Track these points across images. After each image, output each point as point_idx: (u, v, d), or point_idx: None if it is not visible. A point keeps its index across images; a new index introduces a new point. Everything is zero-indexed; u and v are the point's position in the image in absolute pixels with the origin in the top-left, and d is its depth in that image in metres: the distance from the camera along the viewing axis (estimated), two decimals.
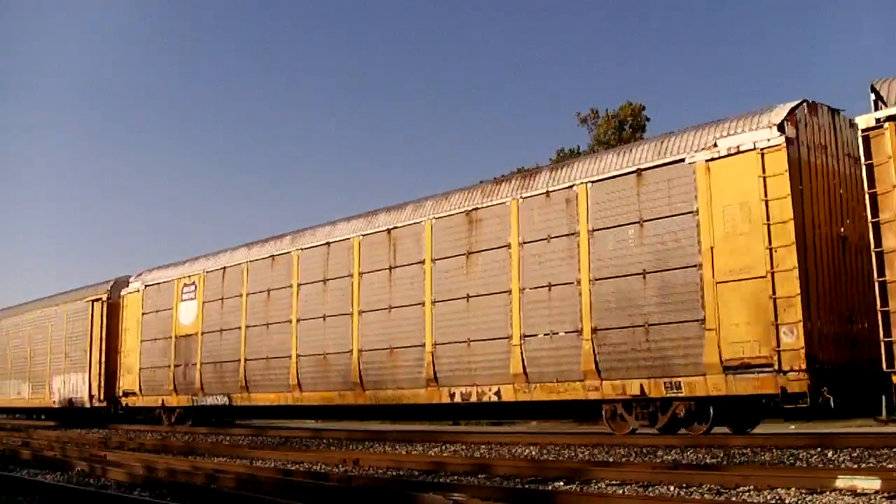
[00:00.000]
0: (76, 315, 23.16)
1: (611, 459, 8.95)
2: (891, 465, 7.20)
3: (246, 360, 16.89)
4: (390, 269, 14.21)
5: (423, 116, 76.48)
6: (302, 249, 16.10)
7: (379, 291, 14.34)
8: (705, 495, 6.06)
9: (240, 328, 17.19)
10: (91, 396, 21.95)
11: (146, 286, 20.45)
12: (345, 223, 15.67)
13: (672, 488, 6.39)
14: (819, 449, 8.76)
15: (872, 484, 5.70)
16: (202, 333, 18.25)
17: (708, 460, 8.49)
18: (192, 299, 18.81)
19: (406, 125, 76.69)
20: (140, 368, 20.08)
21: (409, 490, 6.19)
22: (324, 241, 15.66)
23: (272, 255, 16.77)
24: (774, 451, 8.88)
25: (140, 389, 20.10)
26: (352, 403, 14.74)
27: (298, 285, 15.95)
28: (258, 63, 78.67)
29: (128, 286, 21.23)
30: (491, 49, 73.12)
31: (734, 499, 5.80)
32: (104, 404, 21.59)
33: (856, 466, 7.30)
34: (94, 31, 73.21)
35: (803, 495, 5.69)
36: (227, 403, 17.41)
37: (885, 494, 5.50)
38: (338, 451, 11.47)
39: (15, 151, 76.26)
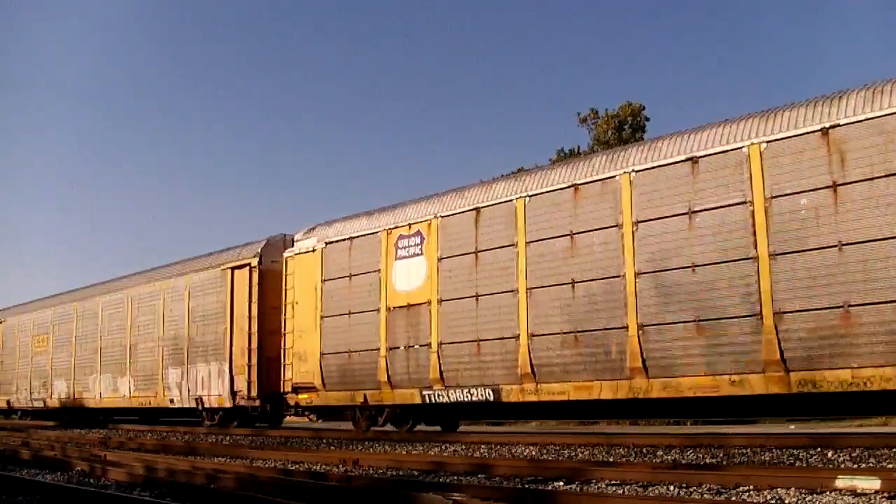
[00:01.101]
0: (206, 287, 17.86)
1: (611, 459, 8.96)
2: (891, 465, 7.20)
3: (531, 335, 11.62)
4: (834, 186, 9.11)
5: (423, 116, 76.53)
6: (635, 171, 10.88)
7: (811, 223, 9.24)
8: (705, 495, 6.06)
9: (515, 291, 11.91)
10: (234, 393, 16.68)
11: (328, 244, 15.05)
12: (717, 128, 10.45)
13: (672, 488, 6.39)
14: (819, 449, 8.76)
15: (872, 484, 5.70)
16: (439, 301, 12.93)
17: (708, 460, 8.50)
18: (415, 255, 13.46)
19: (406, 125, 76.74)
20: (322, 354, 14.71)
21: (409, 490, 6.19)
22: (685, 156, 10.36)
23: (573, 185, 11.49)
24: (774, 451, 8.89)
25: (322, 383, 14.68)
26: (761, 392, 9.54)
27: (635, 223, 10.67)
28: (259, 63, 78.70)
29: (292, 246, 16.06)
30: (491, 49, 73.20)
31: (734, 499, 5.80)
32: (256, 403, 16.33)
33: (856, 466, 7.30)
34: (94, 31, 73.18)
35: (803, 495, 5.69)
36: (492, 399, 12.20)
37: (885, 494, 5.50)
38: (338, 451, 11.47)
39: (15, 151, 76.25)
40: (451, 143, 72.88)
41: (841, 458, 7.99)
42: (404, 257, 13.66)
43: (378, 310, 13.89)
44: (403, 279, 13.61)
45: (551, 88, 68.55)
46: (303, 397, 15.27)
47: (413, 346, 13.29)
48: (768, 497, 5.74)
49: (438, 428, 14.89)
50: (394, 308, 13.66)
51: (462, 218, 13.00)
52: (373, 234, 14.30)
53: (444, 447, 11.38)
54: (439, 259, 13.13)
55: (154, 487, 7.32)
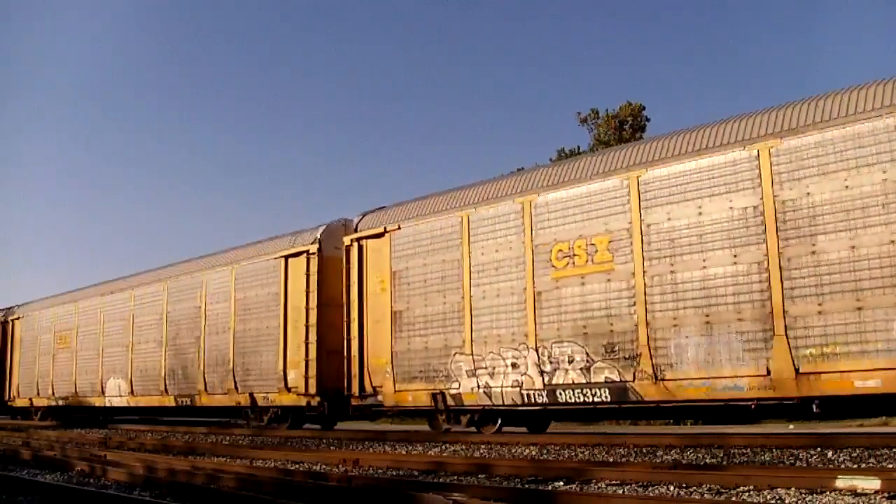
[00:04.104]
0: None
1: (611, 459, 8.96)
2: (891, 465, 7.21)
3: None
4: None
5: (423, 116, 76.51)
6: None
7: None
8: (705, 495, 6.06)
9: None
10: None
11: None
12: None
13: (672, 488, 6.40)
14: (819, 449, 8.77)
15: (872, 484, 5.70)
16: None
17: (708, 460, 8.51)
18: None
19: (406, 125, 76.73)
20: None
21: (409, 490, 6.19)
22: None
23: None
24: (774, 451, 8.89)
25: None
26: None
27: None
28: (259, 63, 78.68)
29: None
30: (491, 49, 73.18)
31: (734, 499, 5.80)
32: None
33: (856, 466, 7.31)
34: (94, 30, 73.13)
35: (803, 495, 5.69)
36: None
37: (885, 494, 5.51)
38: (338, 451, 11.47)
39: (15, 151, 76.21)
40: (451, 142, 72.90)
41: (841, 458, 7.99)
42: None
43: None
44: None
45: (551, 88, 68.58)
46: None
47: None
48: (768, 497, 5.74)
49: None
50: None
51: None
52: None
53: (444, 447, 11.38)
54: None
55: (154, 487, 7.33)
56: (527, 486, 6.84)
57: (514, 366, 11.88)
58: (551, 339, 11.51)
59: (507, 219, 12.31)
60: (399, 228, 13.86)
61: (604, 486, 6.70)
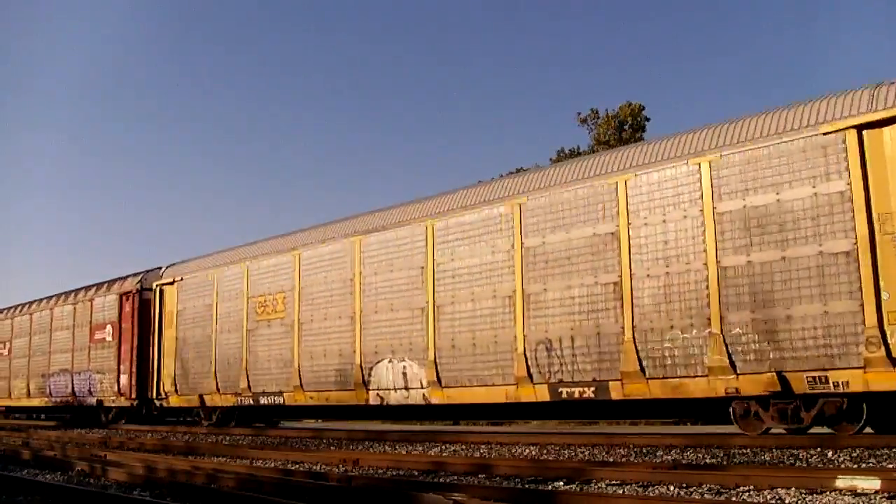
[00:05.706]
0: None
1: (611, 459, 8.96)
2: (891, 465, 7.20)
3: None
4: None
5: (423, 116, 76.50)
6: None
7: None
8: (705, 495, 6.07)
9: None
10: None
11: None
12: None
13: (672, 488, 6.40)
14: (819, 449, 8.77)
15: (872, 484, 5.71)
16: None
17: (708, 460, 8.51)
18: None
19: (406, 125, 76.72)
20: None
21: (409, 490, 6.19)
22: None
23: None
24: (774, 451, 8.89)
25: None
26: None
27: None
28: (258, 63, 78.71)
29: None
30: (491, 49, 73.20)
31: (734, 499, 5.81)
32: None
33: (856, 466, 7.31)
34: (94, 30, 73.14)
35: (803, 495, 5.70)
36: None
37: (885, 494, 5.51)
38: (338, 451, 11.47)
39: (15, 151, 76.22)
40: (451, 142, 72.86)
41: (841, 458, 7.99)
42: None
43: None
44: None
45: (551, 88, 68.57)
46: None
47: None
48: (768, 497, 5.74)
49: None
50: None
51: None
52: None
53: (444, 447, 11.38)
54: None
55: (154, 487, 7.33)
56: (527, 486, 6.84)
57: None
58: None
59: None
60: None
61: (604, 486, 6.70)
